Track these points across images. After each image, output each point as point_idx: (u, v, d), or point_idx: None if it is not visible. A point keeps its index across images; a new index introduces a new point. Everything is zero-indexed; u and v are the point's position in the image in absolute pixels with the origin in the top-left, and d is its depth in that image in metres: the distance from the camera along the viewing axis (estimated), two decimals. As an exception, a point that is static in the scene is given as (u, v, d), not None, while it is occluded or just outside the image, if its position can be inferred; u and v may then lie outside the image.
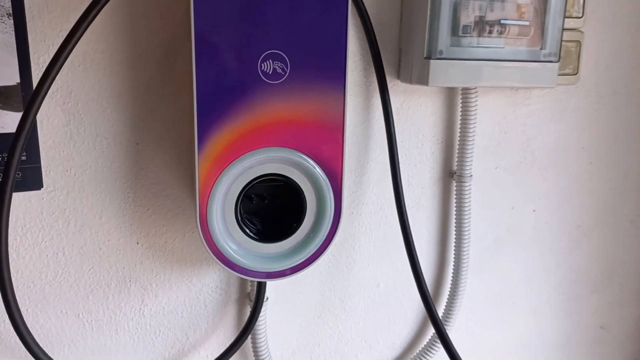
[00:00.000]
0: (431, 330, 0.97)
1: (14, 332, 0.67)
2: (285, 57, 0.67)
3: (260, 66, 0.67)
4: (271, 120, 0.69)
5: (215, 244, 0.71)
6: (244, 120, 0.68)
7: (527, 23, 0.80)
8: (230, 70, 0.66)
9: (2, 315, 0.78)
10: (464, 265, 0.93)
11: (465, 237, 0.92)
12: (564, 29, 0.82)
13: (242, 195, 0.71)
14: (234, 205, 0.71)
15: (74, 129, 0.75)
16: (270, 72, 0.67)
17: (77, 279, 0.80)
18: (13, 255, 0.76)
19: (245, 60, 0.66)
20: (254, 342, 0.87)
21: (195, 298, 0.86)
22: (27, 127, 0.65)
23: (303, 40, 0.68)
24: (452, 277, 0.95)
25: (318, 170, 0.71)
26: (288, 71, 0.68)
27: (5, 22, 0.70)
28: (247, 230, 0.72)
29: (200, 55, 0.65)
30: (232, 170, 0.69)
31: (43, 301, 0.79)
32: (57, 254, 0.78)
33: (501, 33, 0.79)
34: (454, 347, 0.87)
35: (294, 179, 0.72)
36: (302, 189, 0.73)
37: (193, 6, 0.63)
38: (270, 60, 0.67)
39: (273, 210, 0.74)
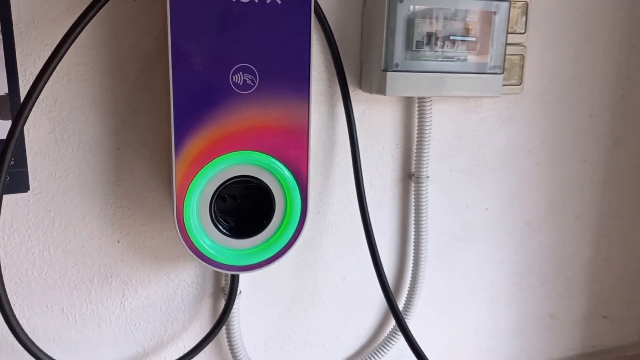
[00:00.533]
0: (394, 320, 1.04)
1: (6, 327, 0.73)
2: (255, 69, 0.75)
3: (232, 78, 0.74)
4: (242, 127, 0.76)
5: (191, 241, 0.77)
6: (217, 127, 0.75)
7: (474, 39, 0.89)
8: (204, 82, 0.73)
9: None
10: (422, 259, 1.01)
11: (424, 234, 1.01)
12: (507, 44, 0.91)
13: (215, 196, 0.78)
14: (208, 204, 0.78)
15: (58, 135, 0.81)
16: (241, 84, 0.75)
17: (62, 276, 0.86)
18: (1, 254, 0.82)
19: (218, 73, 0.74)
20: (228, 333, 0.93)
21: (173, 292, 0.92)
22: (17, 134, 0.71)
23: (270, 54, 0.75)
24: (412, 271, 1.03)
25: (286, 172, 0.79)
26: (257, 82, 0.75)
27: (-5, 37, 0.76)
28: (221, 227, 0.79)
29: (177, 68, 0.72)
30: (206, 172, 0.76)
31: (29, 297, 0.84)
32: (43, 252, 0.84)
33: (451, 48, 0.88)
34: (412, 336, 0.95)
35: (264, 180, 0.79)
36: (271, 190, 0.80)
37: (170, 24, 0.70)
38: (241, 73, 0.74)
39: (245, 209, 0.81)
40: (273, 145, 0.78)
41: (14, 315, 0.74)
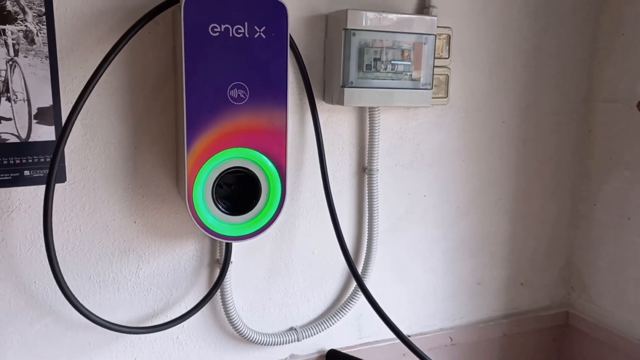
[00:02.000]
0: (353, 285, 1.30)
1: (56, 286, 0.95)
2: (246, 86, 1.00)
3: (229, 93, 0.99)
4: (236, 129, 1.01)
5: (199, 217, 1.01)
6: (217, 129, 0.99)
7: (409, 63, 1.16)
8: (209, 96, 0.98)
9: (46, 274, 1.04)
10: (374, 237, 1.28)
11: (375, 216, 1.27)
12: (435, 66, 1.19)
13: (216, 182, 1.02)
14: (211, 189, 1.01)
15: (89, 137, 1.04)
16: (236, 97, 0.99)
17: (90, 250, 1.07)
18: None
19: (218, 89, 0.98)
20: (222, 295, 1.17)
21: (177, 263, 1.15)
22: (65, 138, 0.93)
23: (258, 75, 1.00)
24: (367, 245, 1.29)
25: (269, 163, 1.04)
26: (248, 96, 1.00)
27: (44, 62, 0.99)
28: (220, 207, 1.03)
29: (189, 85, 0.96)
30: (210, 164, 1.00)
31: (64, 267, 1.05)
32: (75, 230, 1.06)
33: (392, 69, 1.15)
34: (370, 292, 1.21)
35: (252, 170, 1.04)
36: (258, 177, 1.04)
37: (184, 53, 0.94)
38: (236, 89, 0.99)
39: (238, 192, 1.05)
40: (259, 143, 1.03)
41: (63, 279, 0.96)
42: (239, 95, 1.00)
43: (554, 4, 1.39)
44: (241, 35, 0.98)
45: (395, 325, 1.19)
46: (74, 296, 0.98)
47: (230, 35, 0.97)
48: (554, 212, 1.52)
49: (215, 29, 0.96)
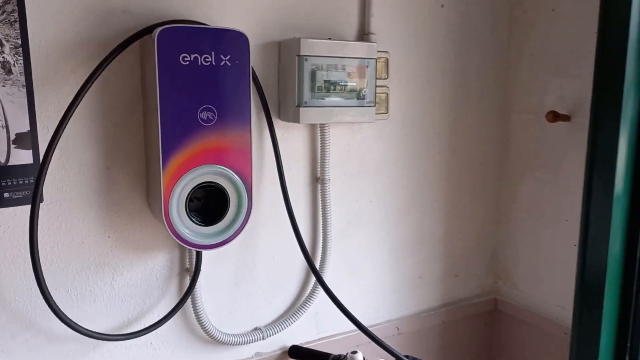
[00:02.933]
0: (310, 286, 1.43)
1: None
2: (214, 109, 1.11)
3: (199, 115, 1.09)
4: (206, 148, 1.11)
5: (174, 228, 1.10)
6: (189, 148, 1.10)
7: (355, 84, 1.31)
8: (181, 118, 1.08)
9: (31, 288, 1.09)
10: (329, 239, 1.41)
11: (329, 220, 1.41)
12: (377, 86, 1.35)
13: (189, 196, 1.12)
14: (184, 203, 1.11)
15: (65, 160, 1.11)
16: (205, 119, 1.10)
17: (67, 265, 1.14)
18: (23, 250, 1.09)
19: (189, 112, 1.08)
20: (193, 301, 1.26)
21: (149, 274, 1.23)
22: (48, 161, 1.01)
23: (224, 99, 1.11)
24: (322, 248, 1.42)
25: (236, 177, 1.15)
26: (216, 118, 1.11)
27: (21, 91, 1.05)
28: (193, 219, 1.13)
29: (163, 109, 1.05)
30: (183, 180, 1.10)
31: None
32: (53, 247, 1.12)
33: (340, 90, 1.30)
34: (327, 286, 1.34)
35: (221, 184, 1.15)
36: (227, 191, 1.15)
37: (158, 80, 1.04)
38: (205, 111, 1.10)
39: (209, 205, 1.16)
40: (227, 160, 1.14)
41: (49, 293, 1.02)
42: (208, 117, 1.11)
43: (472, 29, 1.59)
44: (209, 63, 1.09)
45: (354, 316, 1.33)
46: (59, 309, 1.05)
47: (199, 63, 1.08)
48: (480, 211, 1.73)
49: (185, 58, 1.07)
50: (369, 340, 1.35)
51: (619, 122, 1.33)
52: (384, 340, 1.37)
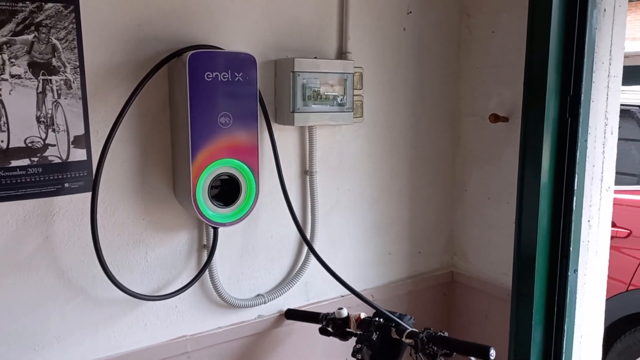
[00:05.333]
0: (301, 261, 1.73)
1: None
2: (230, 115, 1.40)
3: (219, 120, 1.39)
4: (224, 145, 1.41)
5: (200, 210, 1.40)
6: (211, 146, 1.39)
7: (336, 93, 1.63)
8: (205, 123, 1.37)
9: (83, 260, 1.36)
10: (316, 222, 1.73)
11: (315, 207, 1.72)
12: (354, 95, 1.68)
13: (211, 184, 1.41)
14: (207, 189, 1.41)
15: (110, 158, 1.38)
16: (223, 123, 1.40)
17: (111, 242, 1.41)
18: (77, 229, 1.36)
19: (211, 118, 1.38)
20: (210, 272, 1.55)
21: (175, 249, 1.52)
22: (104, 159, 1.29)
23: (237, 107, 1.41)
24: (310, 229, 1.73)
25: (247, 168, 1.45)
26: (231, 122, 1.41)
27: (78, 102, 1.33)
28: (214, 202, 1.42)
29: (193, 116, 1.35)
30: (206, 171, 1.39)
31: (93, 257, 1.38)
32: (101, 227, 1.39)
33: (325, 99, 1.61)
34: (318, 254, 1.64)
35: (235, 174, 1.44)
36: (239, 179, 1.45)
37: (189, 93, 1.33)
38: (223, 117, 1.40)
39: (224, 191, 1.45)
40: (239, 155, 1.44)
41: (105, 263, 1.30)
42: (225, 121, 1.41)
43: (428, 48, 1.94)
44: (226, 79, 1.39)
45: (339, 277, 1.62)
46: (112, 275, 1.33)
47: (219, 79, 1.38)
48: (439, 198, 2.07)
49: (208, 76, 1.37)
50: (349, 306, 1.66)
51: (543, 122, 1.69)
52: (361, 306, 1.68)
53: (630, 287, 2.54)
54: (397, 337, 1.48)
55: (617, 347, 2.57)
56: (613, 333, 2.57)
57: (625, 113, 2.77)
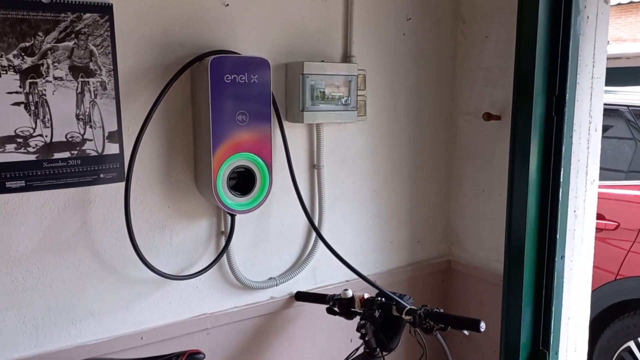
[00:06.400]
0: (309, 247, 1.89)
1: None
2: (247, 114, 1.56)
3: (236, 117, 1.55)
4: (241, 140, 1.57)
5: (220, 199, 1.56)
6: (229, 141, 1.55)
7: (341, 94, 1.79)
8: (224, 120, 1.53)
9: (115, 244, 1.52)
10: (324, 210, 1.88)
11: (323, 197, 1.88)
12: (358, 95, 1.83)
13: (229, 175, 1.57)
14: (226, 180, 1.56)
15: (139, 152, 1.54)
16: (240, 120, 1.56)
17: (140, 227, 1.57)
18: (110, 215, 1.52)
19: (230, 116, 1.54)
20: (227, 256, 1.71)
21: (196, 235, 1.68)
22: (136, 153, 1.45)
23: (253, 106, 1.57)
24: (318, 218, 1.89)
25: (261, 161, 1.61)
26: (247, 119, 1.57)
27: (112, 102, 1.49)
28: (232, 192, 1.58)
29: (214, 114, 1.51)
30: (225, 164, 1.55)
31: (124, 241, 1.54)
32: (132, 214, 1.55)
33: (331, 99, 1.77)
34: (326, 240, 1.80)
35: (251, 167, 1.60)
36: (254, 171, 1.61)
37: (210, 93, 1.49)
38: (241, 115, 1.56)
39: (243, 181, 1.61)
40: (255, 149, 1.60)
41: (138, 246, 1.46)
42: (242, 119, 1.56)
43: (426, 52, 2.09)
44: (243, 81, 1.55)
45: (345, 260, 1.77)
46: (143, 256, 1.49)
47: (237, 81, 1.54)
48: (436, 190, 2.22)
49: (227, 78, 1.53)
50: (353, 289, 1.82)
51: (531, 120, 1.84)
52: (366, 289, 1.83)
53: (619, 277, 2.69)
54: (398, 314, 1.63)
55: (606, 333, 2.72)
56: (603, 320, 2.72)
57: (615, 113, 2.94)
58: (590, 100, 1.91)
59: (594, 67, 1.91)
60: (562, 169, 1.87)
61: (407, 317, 1.61)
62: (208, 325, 1.72)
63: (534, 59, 1.82)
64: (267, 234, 1.82)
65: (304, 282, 1.92)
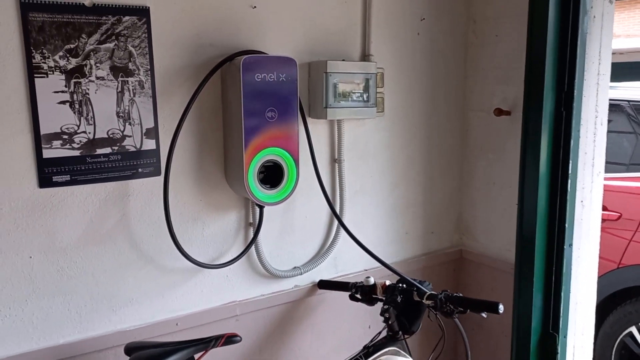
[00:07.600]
0: (331, 238, 1.98)
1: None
2: (276, 110, 1.65)
3: (266, 114, 1.64)
4: (270, 136, 1.65)
5: (251, 191, 1.64)
6: (260, 136, 1.64)
7: (362, 91, 1.88)
8: (255, 117, 1.62)
9: (152, 235, 1.60)
10: (345, 201, 1.97)
11: (344, 189, 1.97)
12: (377, 92, 1.92)
13: (259, 169, 1.65)
14: (257, 173, 1.65)
15: (177, 147, 1.62)
16: (270, 117, 1.64)
17: (175, 219, 1.65)
18: (149, 208, 1.60)
19: (260, 113, 1.63)
20: (256, 246, 1.79)
21: (227, 225, 1.76)
22: (174, 149, 1.53)
23: (282, 104, 1.66)
24: (339, 209, 1.98)
25: (289, 156, 1.70)
26: (277, 116, 1.65)
27: (149, 100, 1.57)
28: (262, 184, 1.67)
29: (246, 110, 1.59)
30: (256, 158, 1.64)
31: (160, 232, 1.62)
32: (170, 207, 1.63)
33: (352, 96, 1.86)
34: (349, 229, 1.89)
35: (279, 161, 1.69)
36: (282, 166, 1.70)
37: (243, 91, 1.58)
38: (270, 112, 1.64)
39: (271, 175, 1.70)
40: (283, 144, 1.68)
41: (175, 236, 1.55)
42: (271, 115, 1.65)
43: (439, 50, 2.18)
44: (272, 80, 1.64)
45: (366, 247, 1.86)
46: (181, 246, 1.58)
47: (267, 80, 1.63)
48: (449, 183, 2.32)
49: (258, 77, 1.61)
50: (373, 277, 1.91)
51: (542, 116, 1.94)
52: (383, 278, 1.92)
53: (621, 265, 2.79)
54: (419, 299, 1.72)
55: (609, 320, 2.83)
56: (606, 307, 2.83)
57: (617, 107, 3.04)
58: (597, 95, 2.00)
59: (599, 64, 2.01)
60: (570, 162, 1.96)
61: (428, 302, 1.69)
62: (237, 312, 1.80)
63: (544, 57, 1.91)
64: (292, 226, 1.91)
65: (326, 271, 2.01)
